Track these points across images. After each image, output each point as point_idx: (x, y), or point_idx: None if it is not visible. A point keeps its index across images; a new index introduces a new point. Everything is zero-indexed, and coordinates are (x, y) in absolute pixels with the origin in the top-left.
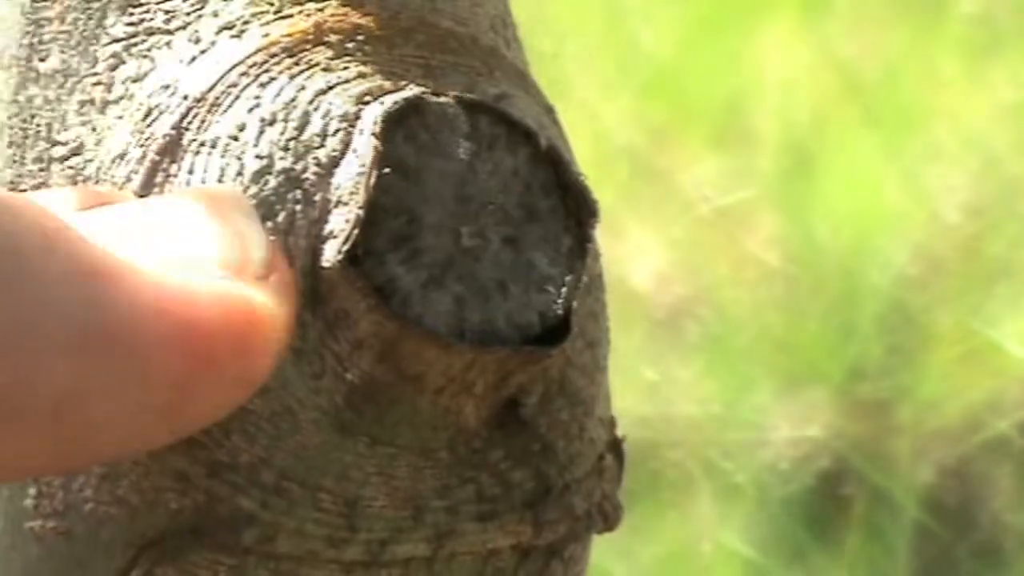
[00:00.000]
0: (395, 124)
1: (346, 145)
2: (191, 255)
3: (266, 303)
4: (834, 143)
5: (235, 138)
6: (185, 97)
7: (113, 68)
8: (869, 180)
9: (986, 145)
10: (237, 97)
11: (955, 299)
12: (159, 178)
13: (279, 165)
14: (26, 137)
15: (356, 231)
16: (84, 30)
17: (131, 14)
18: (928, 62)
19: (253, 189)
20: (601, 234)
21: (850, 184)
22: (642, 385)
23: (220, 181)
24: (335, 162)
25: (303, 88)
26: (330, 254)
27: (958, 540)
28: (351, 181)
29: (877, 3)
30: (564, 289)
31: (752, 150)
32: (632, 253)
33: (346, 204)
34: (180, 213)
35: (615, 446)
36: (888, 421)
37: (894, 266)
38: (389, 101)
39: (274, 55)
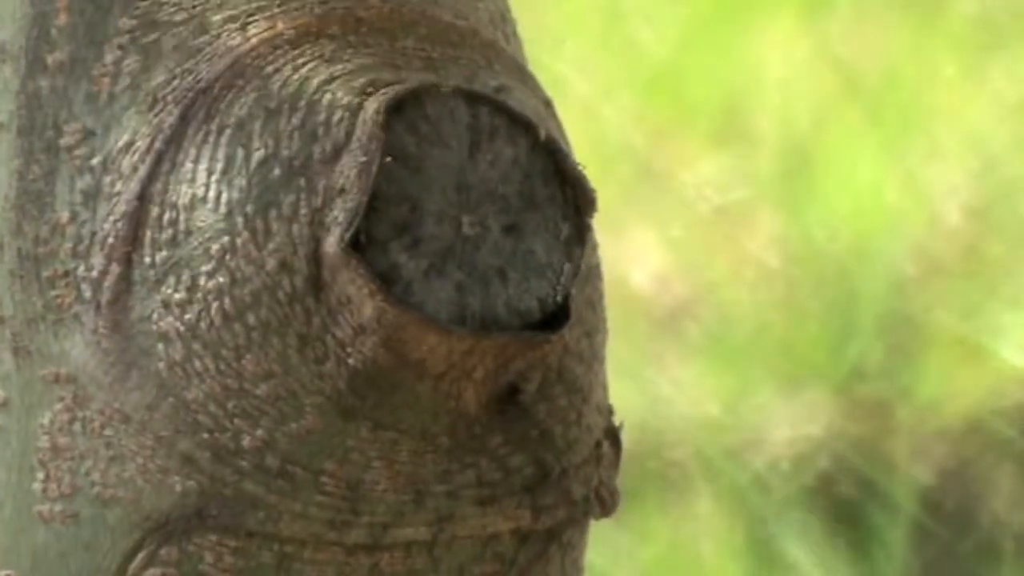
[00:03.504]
0: (397, 114)
1: (349, 135)
2: None
3: None
4: (834, 143)
5: (240, 127)
6: (191, 88)
7: (120, 59)
8: (869, 180)
9: (986, 145)
10: (242, 88)
11: (955, 299)
12: (165, 167)
13: (283, 154)
14: (33, 127)
15: (358, 218)
16: (92, 22)
17: (137, 7)
18: (928, 62)
19: (257, 177)
20: (601, 234)
21: (850, 184)
22: (642, 385)
23: (225, 170)
24: (338, 151)
25: (307, 79)
26: (333, 241)
27: (958, 540)
28: (353, 170)
29: (877, 3)
30: (563, 276)
31: (752, 150)
32: (632, 253)
33: (349, 192)
34: None
35: (612, 433)
36: (888, 421)
37: (894, 266)
38: (391, 92)
39: (278, 47)
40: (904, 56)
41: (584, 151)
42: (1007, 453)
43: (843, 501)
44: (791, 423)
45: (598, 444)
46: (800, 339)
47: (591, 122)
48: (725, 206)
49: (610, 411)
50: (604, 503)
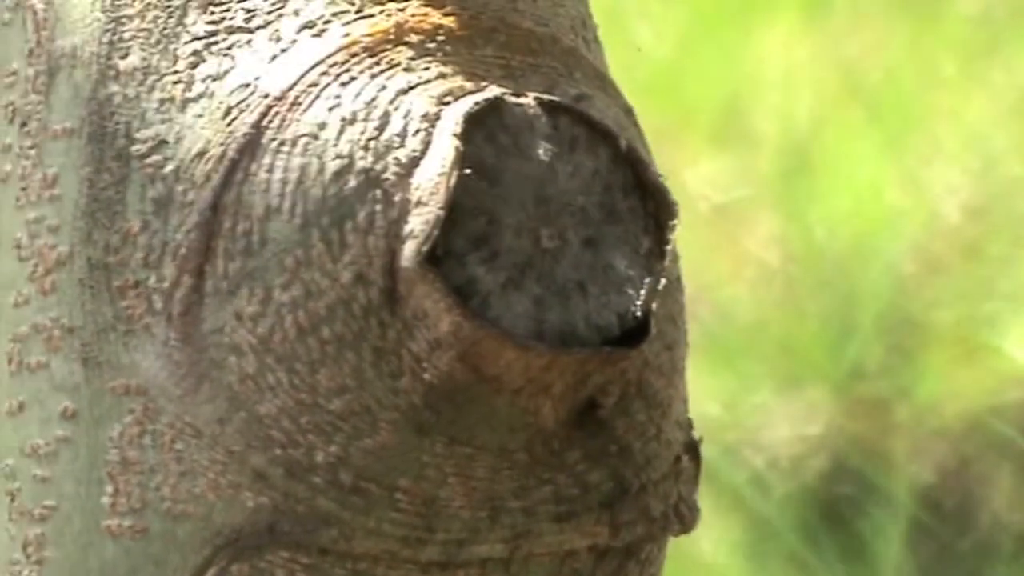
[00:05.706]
0: (476, 125)
1: (426, 145)
2: None
3: None
4: (834, 143)
5: (315, 137)
6: (265, 95)
7: (193, 66)
8: (869, 180)
9: (986, 145)
10: (318, 96)
11: (955, 299)
12: (239, 176)
13: (359, 164)
14: (105, 134)
15: (435, 231)
16: (165, 28)
17: (212, 12)
18: (928, 62)
19: (333, 188)
20: None
21: (850, 184)
22: None
23: (300, 180)
24: (415, 162)
25: (384, 87)
26: (409, 254)
27: (957, 539)
28: (431, 181)
29: (877, 3)
30: (643, 291)
31: (752, 150)
32: None
33: (426, 204)
34: None
35: (692, 448)
36: (887, 420)
37: (894, 266)
38: (470, 102)
39: (355, 54)
40: (904, 56)
41: None
42: (1007, 453)
43: (842, 500)
44: (790, 422)
45: (677, 459)
46: (800, 338)
47: None
48: (725, 206)
49: (690, 425)
50: (683, 519)
